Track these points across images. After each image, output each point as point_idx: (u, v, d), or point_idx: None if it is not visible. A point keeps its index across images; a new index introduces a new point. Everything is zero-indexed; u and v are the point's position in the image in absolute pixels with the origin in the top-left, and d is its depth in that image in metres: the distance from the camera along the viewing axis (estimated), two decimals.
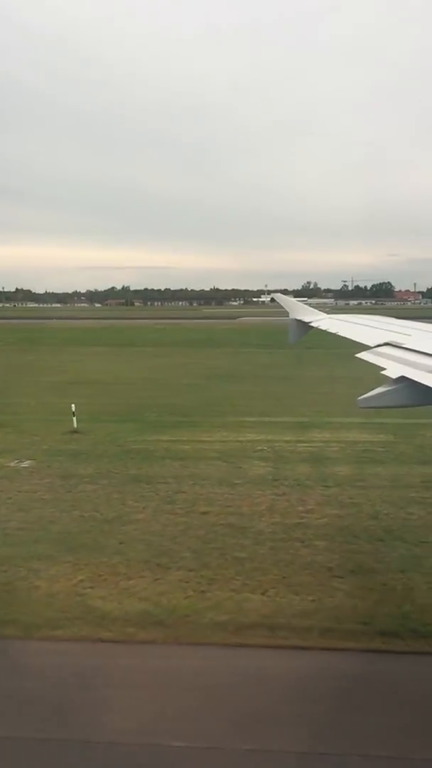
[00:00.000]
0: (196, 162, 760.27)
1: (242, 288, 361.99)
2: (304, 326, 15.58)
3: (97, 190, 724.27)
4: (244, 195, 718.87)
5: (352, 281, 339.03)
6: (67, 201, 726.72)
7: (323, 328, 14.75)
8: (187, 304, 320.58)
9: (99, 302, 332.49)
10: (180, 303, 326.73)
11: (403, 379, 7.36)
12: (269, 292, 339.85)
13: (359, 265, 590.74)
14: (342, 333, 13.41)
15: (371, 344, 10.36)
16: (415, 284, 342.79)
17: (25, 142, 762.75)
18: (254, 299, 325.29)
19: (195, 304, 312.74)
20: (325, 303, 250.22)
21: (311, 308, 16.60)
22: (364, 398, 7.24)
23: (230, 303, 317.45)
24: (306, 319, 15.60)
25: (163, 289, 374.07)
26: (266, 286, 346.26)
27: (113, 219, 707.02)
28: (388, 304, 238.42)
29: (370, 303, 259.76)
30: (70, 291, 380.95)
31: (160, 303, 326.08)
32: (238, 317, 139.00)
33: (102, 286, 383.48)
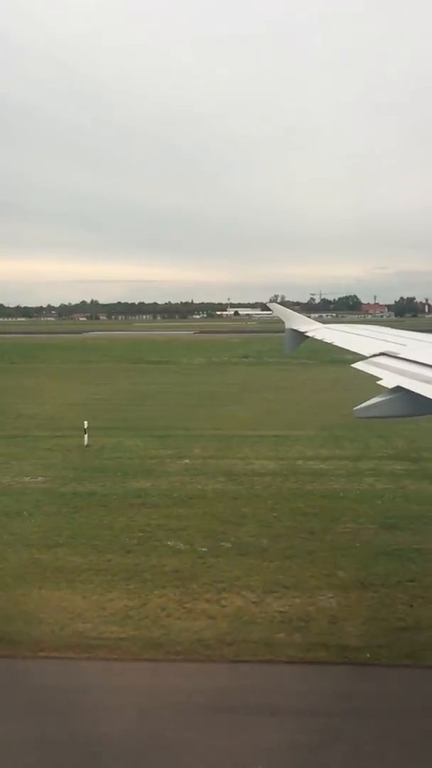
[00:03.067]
0: (188, 175, 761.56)
1: (216, 301, 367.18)
2: (300, 336, 16.14)
3: (88, 204, 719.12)
4: (235, 208, 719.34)
5: (320, 294, 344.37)
6: (59, 215, 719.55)
7: (318, 337, 15.31)
8: (151, 317, 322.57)
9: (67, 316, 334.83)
10: (145, 317, 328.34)
11: (398, 389, 7.42)
12: (232, 305, 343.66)
13: (348, 278, 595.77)
14: (337, 343, 13.96)
15: (367, 354, 10.66)
16: (375, 297, 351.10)
17: (14, 156, 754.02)
18: (218, 312, 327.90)
19: (159, 318, 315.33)
20: None
21: (307, 318, 17.16)
22: (361, 408, 7.25)
23: (193, 317, 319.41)
24: (301, 329, 16.16)
25: (137, 302, 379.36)
26: (228, 299, 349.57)
27: (107, 233, 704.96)
28: (349, 317, 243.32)
29: (332, 315, 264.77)
30: (45, 305, 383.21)
31: (124, 317, 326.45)
32: (85, 332, 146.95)
33: (96, 300, 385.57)
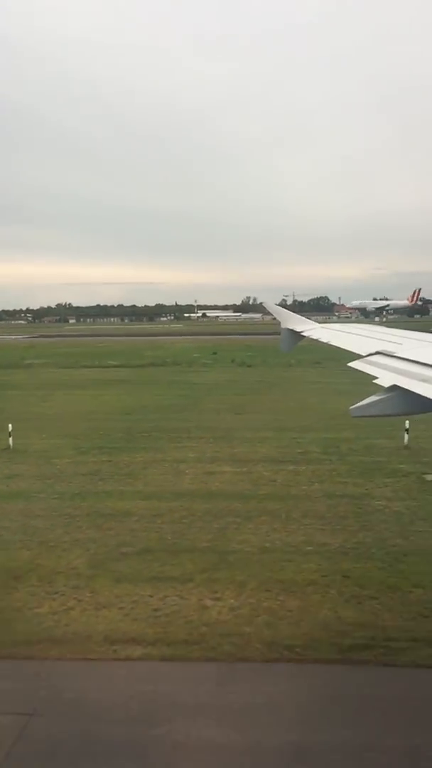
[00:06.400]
0: (184, 177, 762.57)
1: (201, 303, 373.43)
2: (296, 336, 16.59)
3: (87, 207, 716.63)
4: (232, 210, 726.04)
5: (293, 295, 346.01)
6: (58, 218, 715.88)
7: (315, 337, 15.75)
8: (119, 320, 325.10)
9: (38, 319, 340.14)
10: (112, 319, 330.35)
11: (395, 388, 7.45)
12: (200, 307, 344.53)
13: (345, 279, 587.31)
14: (334, 342, 14.35)
15: (363, 353, 10.83)
16: (339, 298, 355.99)
17: (12, 160, 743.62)
18: (186, 315, 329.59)
19: (126, 320, 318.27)
20: (252, 317, 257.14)
21: (303, 318, 17.54)
22: (357, 407, 7.25)
23: (161, 319, 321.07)
24: (298, 329, 16.58)
25: (116, 305, 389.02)
26: (195, 301, 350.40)
27: (104, 235, 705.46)
28: (314, 317, 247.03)
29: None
30: (24, 308, 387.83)
31: (92, 319, 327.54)
32: None
33: (88, 303, 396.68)
